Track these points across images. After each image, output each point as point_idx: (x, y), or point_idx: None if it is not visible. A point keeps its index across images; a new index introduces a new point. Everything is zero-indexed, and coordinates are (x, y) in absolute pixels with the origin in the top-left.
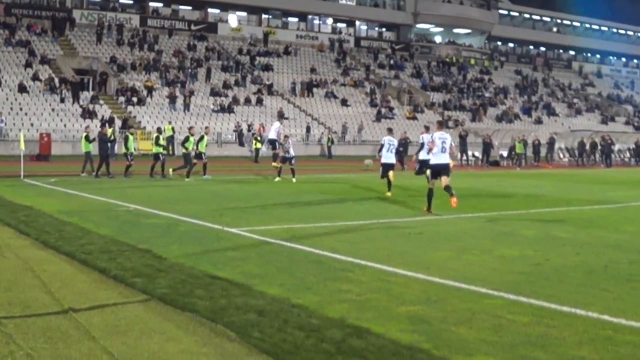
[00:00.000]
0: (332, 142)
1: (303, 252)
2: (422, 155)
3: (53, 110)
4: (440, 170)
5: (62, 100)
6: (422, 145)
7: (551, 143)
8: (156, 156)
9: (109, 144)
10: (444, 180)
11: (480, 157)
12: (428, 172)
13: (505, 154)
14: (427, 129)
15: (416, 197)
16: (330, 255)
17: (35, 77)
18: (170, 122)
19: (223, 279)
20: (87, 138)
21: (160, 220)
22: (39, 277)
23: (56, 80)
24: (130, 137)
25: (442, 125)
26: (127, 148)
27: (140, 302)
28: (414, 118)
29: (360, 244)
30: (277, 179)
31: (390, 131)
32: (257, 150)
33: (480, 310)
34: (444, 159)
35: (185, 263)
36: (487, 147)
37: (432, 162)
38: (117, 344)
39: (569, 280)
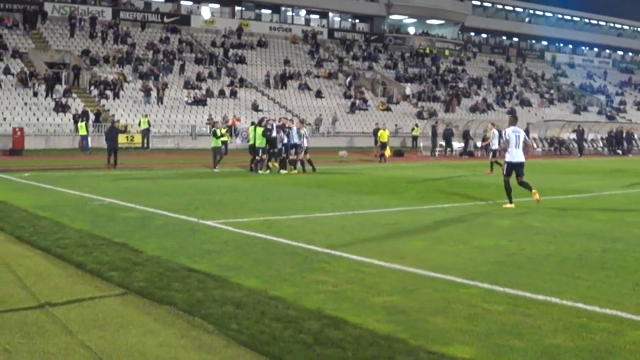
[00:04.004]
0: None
1: (279, 243)
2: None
3: (26, 104)
4: (515, 167)
5: (35, 94)
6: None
7: (526, 133)
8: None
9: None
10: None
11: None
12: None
13: (479, 144)
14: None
15: (393, 188)
16: (306, 246)
17: (6, 71)
18: (145, 115)
19: (200, 272)
20: (215, 134)
21: (135, 213)
22: (14, 272)
23: (28, 74)
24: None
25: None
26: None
27: (117, 296)
28: (388, 109)
29: (336, 235)
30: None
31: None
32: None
33: (456, 299)
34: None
35: (162, 256)
36: (466, 137)
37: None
38: (94, 338)
39: (543, 269)
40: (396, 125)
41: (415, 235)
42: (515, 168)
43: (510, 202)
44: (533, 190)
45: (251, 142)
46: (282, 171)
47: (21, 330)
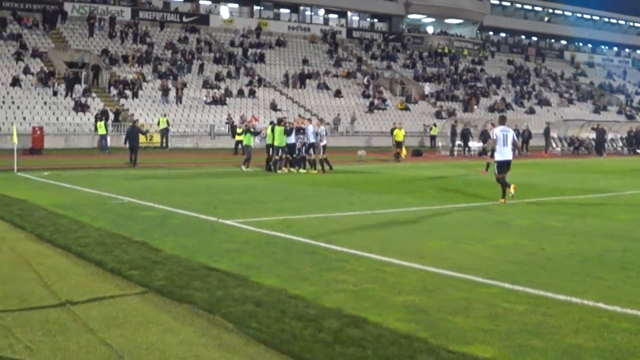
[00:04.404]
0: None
1: (299, 243)
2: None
3: (45, 103)
4: (506, 165)
5: (55, 94)
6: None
7: (547, 132)
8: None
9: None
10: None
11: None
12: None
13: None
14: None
15: (412, 188)
16: (326, 246)
17: (26, 71)
18: (165, 115)
19: (220, 271)
20: (248, 131)
21: (154, 212)
22: (35, 270)
23: (48, 73)
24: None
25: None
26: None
27: (137, 295)
28: (407, 109)
29: (355, 234)
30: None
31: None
32: (238, 142)
33: (477, 299)
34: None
35: (182, 255)
36: (485, 136)
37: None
38: (115, 336)
39: (564, 269)
40: (425, 124)
41: (435, 235)
42: (505, 165)
43: (504, 196)
44: (512, 185)
45: (269, 141)
46: (302, 171)
47: (43, 328)
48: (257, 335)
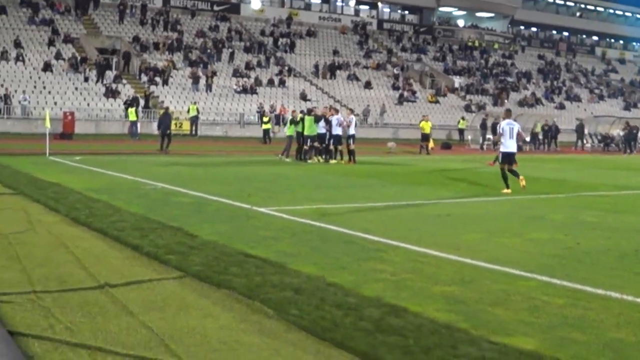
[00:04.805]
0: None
1: (335, 232)
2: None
3: (76, 89)
4: (510, 156)
5: (86, 80)
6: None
7: (580, 128)
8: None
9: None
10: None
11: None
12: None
13: (528, 138)
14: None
15: (443, 180)
16: (362, 235)
17: (58, 56)
18: (195, 103)
19: (257, 257)
20: (292, 122)
21: (188, 199)
22: (72, 252)
23: (79, 59)
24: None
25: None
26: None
27: (175, 279)
28: (437, 102)
29: (391, 224)
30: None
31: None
32: (265, 131)
33: (515, 291)
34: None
35: (218, 241)
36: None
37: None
38: (155, 319)
39: (601, 264)
40: (463, 118)
41: (469, 227)
42: (509, 157)
43: (507, 187)
44: (521, 177)
45: (299, 130)
46: (332, 161)
47: (82, 309)
48: (297, 322)
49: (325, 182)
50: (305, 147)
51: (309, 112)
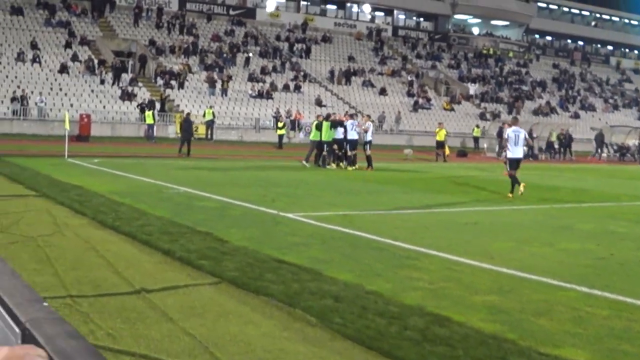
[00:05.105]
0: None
1: (364, 238)
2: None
3: (92, 91)
4: (516, 162)
5: (102, 82)
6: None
7: (600, 137)
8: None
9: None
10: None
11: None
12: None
13: (543, 147)
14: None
15: (463, 188)
16: (392, 242)
17: (74, 58)
18: (211, 107)
19: (290, 264)
20: (317, 127)
21: (212, 203)
22: (103, 256)
23: (95, 61)
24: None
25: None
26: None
27: (211, 285)
28: (452, 109)
29: (419, 232)
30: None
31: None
32: (280, 136)
33: (557, 302)
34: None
35: (248, 247)
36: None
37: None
38: (196, 326)
39: (637, 275)
40: (477, 126)
41: (499, 236)
42: (516, 162)
43: (512, 192)
44: (522, 184)
45: (316, 137)
46: (350, 167)
47: (121, 315)
48: (341, 331)
49: (347, 188)
50: (323, 152)
51: (327, 117)
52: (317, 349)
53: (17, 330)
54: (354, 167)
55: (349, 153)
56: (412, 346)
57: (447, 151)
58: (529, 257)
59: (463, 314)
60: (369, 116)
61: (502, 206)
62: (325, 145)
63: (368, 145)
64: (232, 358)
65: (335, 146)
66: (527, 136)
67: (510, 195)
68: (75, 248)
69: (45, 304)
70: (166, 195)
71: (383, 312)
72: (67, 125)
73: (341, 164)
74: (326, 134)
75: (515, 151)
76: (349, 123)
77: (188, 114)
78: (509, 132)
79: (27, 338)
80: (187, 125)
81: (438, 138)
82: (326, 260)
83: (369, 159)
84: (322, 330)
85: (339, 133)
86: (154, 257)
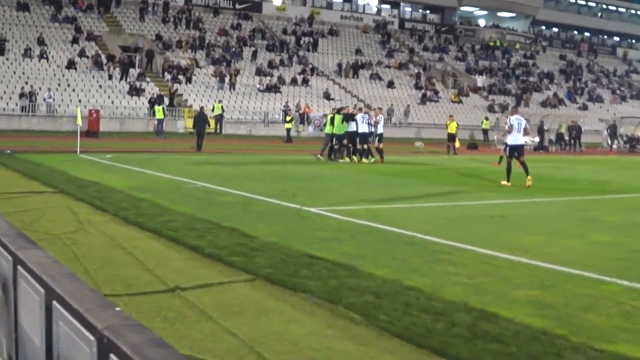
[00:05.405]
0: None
1: (393, 233)
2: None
3: (100, 87)
4: (516, 149)
5: (110, 77)
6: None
7: (614, 129)
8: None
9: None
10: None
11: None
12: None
13: (553, 139)
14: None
15: (480, 180)
16: (422, 236)
17: (82, 54)
18: (220, 101)
19: (324, 259)
20: (332, 120)
21: (232, 198)
22: (131, 253)
23: (103, 57)
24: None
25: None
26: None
27: (245, 282)
28: (460, 102)
29: (446, 226)
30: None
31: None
32: (288, 130)
33: (601, 296)
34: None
35: (278, 242)
36: (542, 132)
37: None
38: (237, 325)
39: None
40: (487, 118)
41: (527, 229)
42: (516, 150)
43: (508, 181)
44: (528, 177)
45: (328, 130)
46: (365, 160)
47: (159, 314)
48: (388, 328)
49: (364, 182)
50: (335, 146)
51: (338, 110)
52: (366, 348)
53: (91, 337)
54: (369, 160)
55: (358, 146)
56: (463, 343)
57: (458, 144)
58: (562, 250)
59: (508, 309)
60: (380, 109)
61: (523, 198)
62: (336, 139)
63: (379, 138)
64: (280, 358)
65: (347, 140)
66: (526, 126)
67: (506, 183)
68: (102, 245)
69: (117, 309)
70: (185, 191)
71: (427, 308)
72: (79, 121)
73: (354, 157)
74: (338, 127)
75: (517, 138)
76: (359, 116)
77: (202, 108)
78: (512, 119)
79: (106, 346)
80: (201, 119)
81: (449, 130)
82: (360, 256)
83: (380, 152)
84: (367, 328)
85: (352, 126)
86: (182, 253)
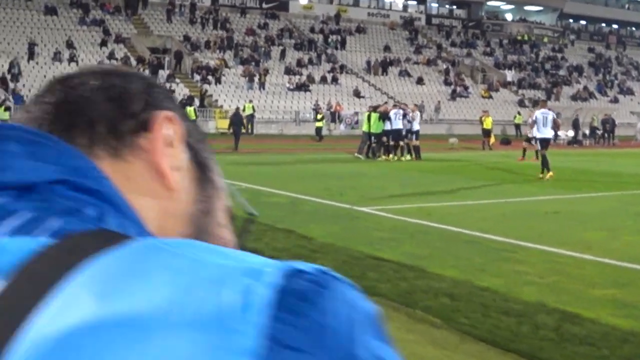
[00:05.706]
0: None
1: (451, 232)
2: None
3: None
4: (547, 142)
5: None
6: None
7: None
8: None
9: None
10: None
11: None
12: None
13: (587, 132)
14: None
15: (523, 176)
16: (482, 235)
17: (111, 56)
18: (250, 101)
19: (388, 261)
20: (368, 118)
21: (280, 198)
22: None
23: (132, 59)
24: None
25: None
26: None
27: None
28: (490, 97)
29: (503, 223)
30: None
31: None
32: (319, 129)
33: None
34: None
35: (336, 243)
36: (576, 126)
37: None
38: None
39: None
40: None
41: (586, 225)
42: (547, 142)
43: (549, 170)
44: (550, 172)
45: (365, 129)
46: (402, 158)
47: None
48: (471, 332)
49: (407, 180)
50: (373, 144)
51: (375, 109)
52: (450, 352)
53: None
54: (406, 158)
55: (391, 143)
56: (553, 347)
57: (493, 139)
58: (626, 246)
59: (589, 309)
60: (416, 105)
61: (573, 194)
62: (373, 137)
63: (415, 135)
64: None
65: (384, 138)
66: (554, 117)
67: (542, 175)
68: None
69: None
70: (230, 191)
71: (506, 310)
72: None
73: (391, 155)
74: (375, 125)
75: (544, 132)
76: (392, 112)
77: (237, 109)
78: (537, 114)
79: None
80: (237, 119)
81: (485, 126)
82: (423, 256)
83: (417, 149)
84: (448, 331)
85: (388, 125)
86: None
